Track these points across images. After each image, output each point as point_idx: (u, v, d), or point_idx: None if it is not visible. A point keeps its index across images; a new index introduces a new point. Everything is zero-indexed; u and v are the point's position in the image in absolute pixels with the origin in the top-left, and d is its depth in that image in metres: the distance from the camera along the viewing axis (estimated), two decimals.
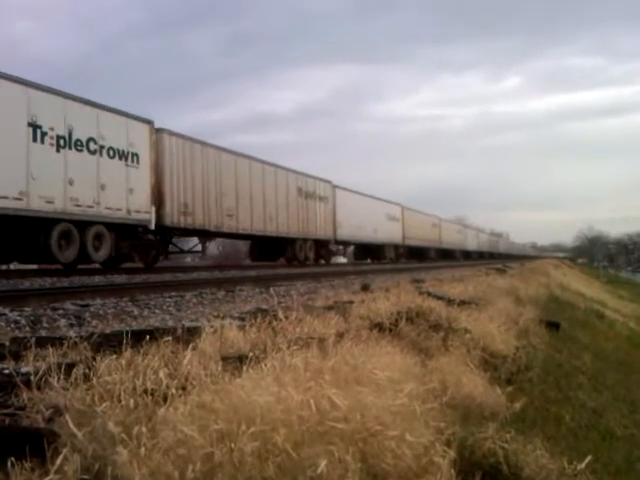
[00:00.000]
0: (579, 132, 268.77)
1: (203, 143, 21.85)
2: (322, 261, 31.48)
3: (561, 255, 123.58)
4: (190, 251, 25.95)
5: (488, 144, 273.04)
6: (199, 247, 24.52)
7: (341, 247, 37.49)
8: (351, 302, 7.27)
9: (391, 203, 43.54)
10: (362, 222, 36.45)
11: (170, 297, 8.71)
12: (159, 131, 19.41)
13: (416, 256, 48.23)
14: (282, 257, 28.58)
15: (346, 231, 34.15)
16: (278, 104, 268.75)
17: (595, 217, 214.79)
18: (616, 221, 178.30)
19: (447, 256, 56.00)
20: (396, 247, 43.79)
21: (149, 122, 18.87)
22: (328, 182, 32.72)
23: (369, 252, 40.98)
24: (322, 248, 31.66)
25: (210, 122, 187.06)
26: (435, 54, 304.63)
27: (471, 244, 68.15)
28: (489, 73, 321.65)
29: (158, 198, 19.01)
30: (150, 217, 18.51)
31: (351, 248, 41.87)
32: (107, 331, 4.51)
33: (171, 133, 19.99)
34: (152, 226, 18.67)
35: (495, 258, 70.67)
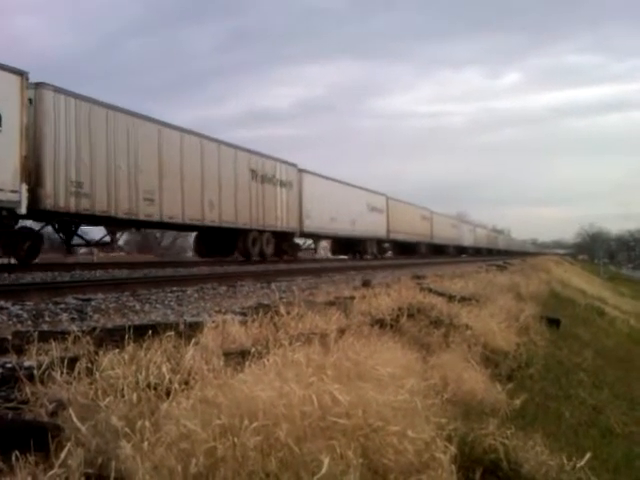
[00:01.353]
0: (580, 128, 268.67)
1: (110, 106, 16.98)
2: (285, 257, 26.75)
3: (561, 252, 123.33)
4: (98, 244, 19.83)
5: (489, 140, 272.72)
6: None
7: (311, 241, 32.70)
8: (352, 298, 7.28)
9: (374, 193, 38.84)
10: (337, 213, 31.79)
11: (171, 292, 8.73)
12: (40, 86, 14.72)
13: (404, 252, 44.68)
14: (235, 252, 24.13)
15: (316, 222, 29.28)
16: (278, 100, 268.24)
17: (596, 213, 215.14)
18: (617, 218, 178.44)
19: (440, 252, 52.11)
20: (379, 242, 39.56)
21: (20, 73, 13.86)
22: (293, 165, 27.69)
23: (347, 247, 36.38)
24: (284, 242, 26.74)
25: (209, 117, 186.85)
26: (434, 50, 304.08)
27: (467, 239, 64.62)
28: (488, 69, 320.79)
29: (35, 174, 14.46)
30: (19, 198, 13.71)
31: (324, 243, 38.04)
32: (109, 325, 4.53)
33: (59, 90, 15.24)
34: (23, 210, 13.97)
35: (493, 255, 68.38)
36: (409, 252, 45.06)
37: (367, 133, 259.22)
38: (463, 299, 8.67)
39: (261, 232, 24.11)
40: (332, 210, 31.24)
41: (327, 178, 31.89)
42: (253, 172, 23.99)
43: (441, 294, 8.84)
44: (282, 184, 26.24)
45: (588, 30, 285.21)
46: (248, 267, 18.32)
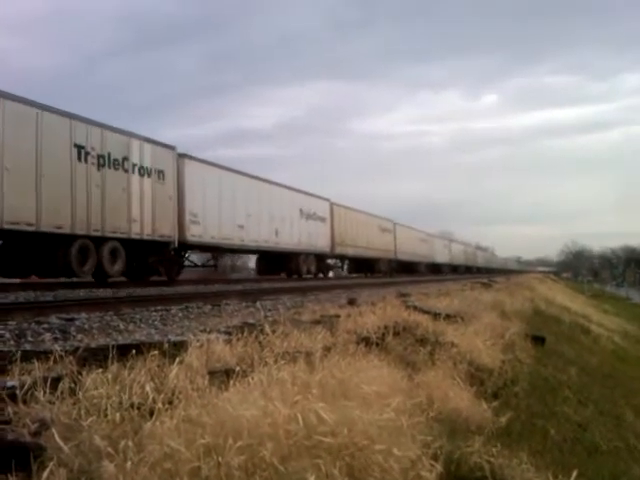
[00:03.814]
0: (561, 148, 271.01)
1: None
2: (155, 277, 19.52)
3: (545, 269, 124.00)
4: None
5: (471, 160, 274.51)
6: None
7: (208, 255, 24.78)
8: (338, 316, 7.28)
9: (312, 196, 30.91)
10: (248, 218, 23.64)
11: (156, 311, 8.65)
12: None
13: (360, 270, 38.61)
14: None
15: (210, 230, 21.15)
16: (261, 120, 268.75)
17: (580, 232, 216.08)
18: (600, 236, 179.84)
19: (407, 270, 45.63)
20: (319, 257, 31.24)
21: None
22: (168, 147, 19.55)
23: (277, 263, 28.16)
24: (152, 256, 18.67)
25: (192, 136, 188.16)
26: (414, 72, 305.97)
27: (441, 256, 57.96)
28: (467, 90, 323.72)
29: None
30: None
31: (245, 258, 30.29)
32: (93, 345, 4.49)
33: None
34: None
35: (472, 273, 63.66)
36: (367, 270, 39.25)
37: (349, 153, 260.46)
38: (448, 317, 8.69)
39: (100, 241, 16.34)
40: (240, 214, 23.12)
41: (230, 170, 23.15)
42: (80, 149, 15.82)
43: (426, 312, 8.86)
44: (144, 172, 18.18)
45: (565, 51, 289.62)
46: (234, 286, 18.25)
